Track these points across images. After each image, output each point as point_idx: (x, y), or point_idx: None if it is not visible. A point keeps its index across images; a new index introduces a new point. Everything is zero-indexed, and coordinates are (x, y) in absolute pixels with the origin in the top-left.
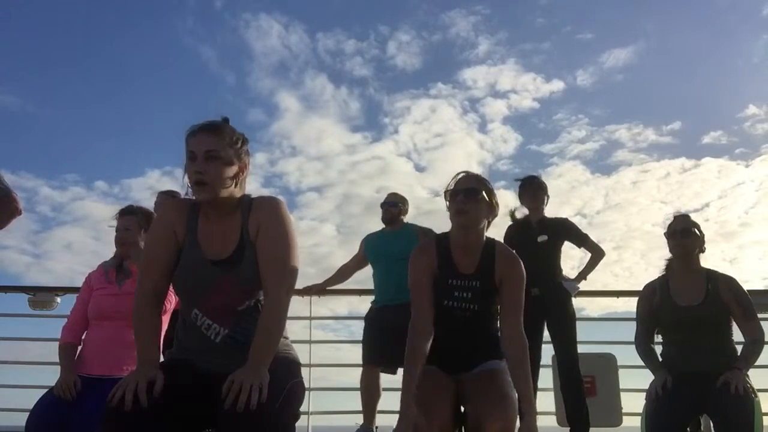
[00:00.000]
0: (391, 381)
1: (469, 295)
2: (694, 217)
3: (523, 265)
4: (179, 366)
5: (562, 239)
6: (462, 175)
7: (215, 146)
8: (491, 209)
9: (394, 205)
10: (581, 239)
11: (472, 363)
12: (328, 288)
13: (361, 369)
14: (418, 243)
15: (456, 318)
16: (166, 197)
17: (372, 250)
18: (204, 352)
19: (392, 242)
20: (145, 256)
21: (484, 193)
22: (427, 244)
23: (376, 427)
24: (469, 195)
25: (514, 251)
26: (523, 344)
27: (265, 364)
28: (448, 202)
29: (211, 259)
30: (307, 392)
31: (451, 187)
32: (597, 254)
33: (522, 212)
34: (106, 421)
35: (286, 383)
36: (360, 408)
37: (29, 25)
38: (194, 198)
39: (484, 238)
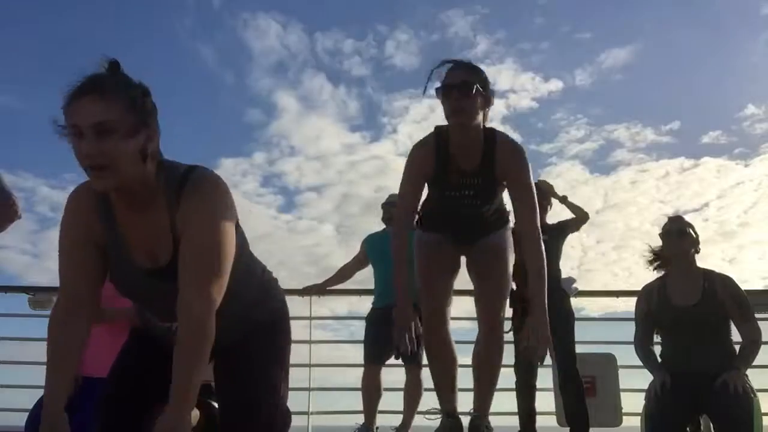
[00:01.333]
0: (392, 381)
1: (471, 192)
2: (693, 217)
3: (525, 152)
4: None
5: (562, 238)
6: (450, 66)
7: (107, 115)
8: (487, 100)
9: (393, 205)
10: (569, 223)
11: (475, 237)
12: (328, 288)
13: (361, 369)
14: (418, 141)
15: (459, 206)
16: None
17: (372, 250)
18: (165, 335)
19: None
20: (62, 259)
21: (478, 84)
22: (425, 141)
23: (377, 428)
24: (463, 90)
25: (514, 139)
26: (538, 245)
27: (189, 404)
28: (441, 99)
29: (147, 268)
30: (307, 392)
31: (443, 81)
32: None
33: None
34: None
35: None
36: (360, 408)
37: (27, 25)
38: (94, 186)
39: (483, 131)
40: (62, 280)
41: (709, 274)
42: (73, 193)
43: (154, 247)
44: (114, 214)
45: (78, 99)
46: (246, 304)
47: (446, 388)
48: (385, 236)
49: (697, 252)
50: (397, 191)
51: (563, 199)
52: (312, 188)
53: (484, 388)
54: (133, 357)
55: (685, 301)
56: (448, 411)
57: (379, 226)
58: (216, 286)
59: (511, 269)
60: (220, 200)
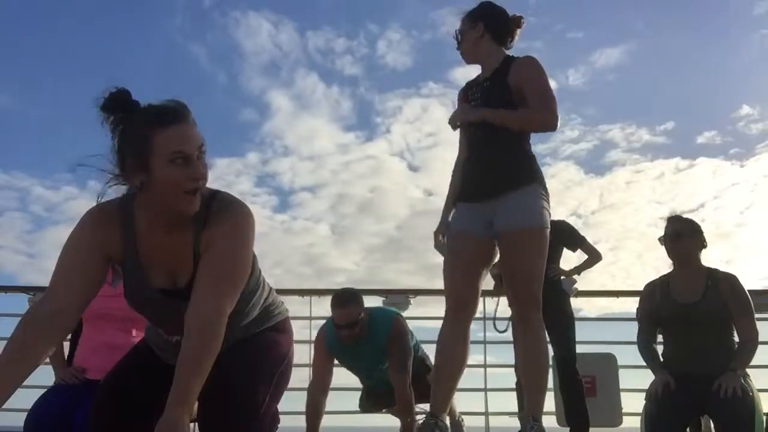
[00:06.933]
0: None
1: (479, 94)
2: (689, 217)
3: (539, 61)
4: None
5: (561, 243)
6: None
7: (202, 141)
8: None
9: (351, 325)
10: (577, 242)
11: (499, 188)
12: (327, 292)
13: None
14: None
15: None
16: None
17: (343, 361)
18: (171, 349)
19: (362, 358)
20: (64, 264)
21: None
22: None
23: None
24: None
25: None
26: (551, 110)
27: (189, 405)
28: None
29: (165, 289)
30: (306, 392)
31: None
32: (594, 257)
33: None
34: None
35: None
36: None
37: (23, 26)
38: (180, 208)
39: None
40: (54, 284)
41: (713, 272)
42: (95, 209)
43: (175, 268)
44: (135, 234)
45: (177, 125)
46: (247, 323)
47: (446, 389)
48: (350, 350)
49: (704, 247)
50: (392, 191)
51: (577, 272)
52: (306, 188)
53: (533, 390)
54: (133, 365)
55: (688, 298)
56: (435, 412)
57: (372, 227)
58: (229, 297)
59: (545, 242)
60: (246, 222)
